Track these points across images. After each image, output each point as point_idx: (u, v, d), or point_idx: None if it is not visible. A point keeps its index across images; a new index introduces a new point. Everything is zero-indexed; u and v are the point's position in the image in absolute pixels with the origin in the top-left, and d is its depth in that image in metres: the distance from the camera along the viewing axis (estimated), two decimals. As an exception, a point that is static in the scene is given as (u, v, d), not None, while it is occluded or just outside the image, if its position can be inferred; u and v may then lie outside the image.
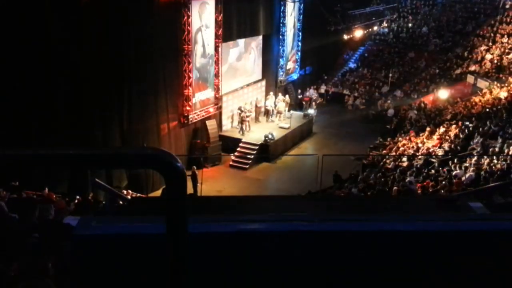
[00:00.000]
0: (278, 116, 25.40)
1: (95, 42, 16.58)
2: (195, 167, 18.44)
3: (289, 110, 25.96)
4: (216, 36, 22.15)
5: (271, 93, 26.56)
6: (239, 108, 23.85)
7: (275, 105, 25.68)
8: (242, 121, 23.60)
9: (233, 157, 22.29)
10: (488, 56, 28.87)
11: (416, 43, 34.17)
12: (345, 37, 33.05)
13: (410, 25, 35.65)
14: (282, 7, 27.60)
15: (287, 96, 27.16)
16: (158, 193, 17.94)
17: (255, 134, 23.49)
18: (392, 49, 34.42)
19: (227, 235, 2.90)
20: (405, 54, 33.87)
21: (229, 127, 24.31)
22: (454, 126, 21.27)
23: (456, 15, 34.19)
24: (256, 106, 25.33)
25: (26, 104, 15.12)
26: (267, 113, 25.65)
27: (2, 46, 14.17)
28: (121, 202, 6.28)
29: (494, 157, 15.67)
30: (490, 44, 29.91)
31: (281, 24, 27.86)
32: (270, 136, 22.71)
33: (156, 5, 18.96)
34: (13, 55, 14.45)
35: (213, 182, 19.67)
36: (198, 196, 14.85)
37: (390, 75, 32.03)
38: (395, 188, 14.04)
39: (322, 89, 32.64)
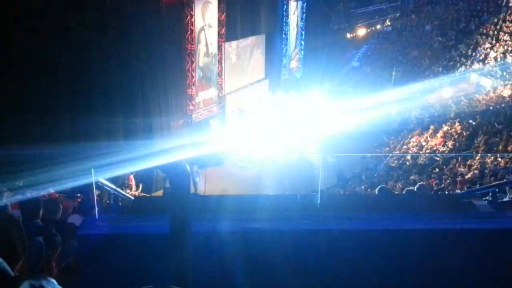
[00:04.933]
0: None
1: (98, 41, 16.60)
2: (196, 165, 18.46)
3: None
4: (219, 35, 22.15)
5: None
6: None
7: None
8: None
9: (235, 156, 22.28)
10: (492, 54, 28.78)
11: (420, 41, 34.10)
12: (348, 35, 33.02)
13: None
14: (285, 6, 27.60)
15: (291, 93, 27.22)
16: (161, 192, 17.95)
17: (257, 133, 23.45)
18: (396, 47, 34.35)
19: (231, 233, 2.90)
20: (409, 52, 33.81)
21: (232, 126, 24.31)
22: (457, 124, 21.22)
23: (459, 13, 34.07)
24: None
25: (29, 99, 15.18)
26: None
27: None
28: (125, 202, 6.29)
29: (498, 155, 15.63)
30: (494, 42, 29.80)
31: (284, 23, 27.87)
32: (272, 135, 22.70)
33: (159, 5, 18.96)
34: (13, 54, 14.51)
35: (217, 181, 19.65)
36: (201, 195, 14.85)
37: (393, 73, 31.96)
38: (399, 186, 14.04)
39: (326, 87, 32.58)
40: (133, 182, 17.23)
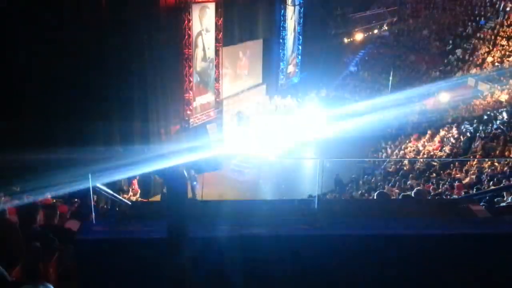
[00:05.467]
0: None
1: (94, 46, 16.59)
2: (193, 170, 18.44)
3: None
4: (217, 40, 22.18)
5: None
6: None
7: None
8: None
9: (234, 161, 22.27)
10: (489, 59, 28.85)
11: (417, 46, 34.16)
12: (346, 40, 33.10)
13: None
14: (283, 11, 27.64)
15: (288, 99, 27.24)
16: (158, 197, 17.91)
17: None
18: (393, 52, 34.41)
19: (229, 238, 2.90)
20: (406, 57, 33.87)
21: (229, 131, 24.30)
22: (455, 129, 21.25)
23: (457, 18, 34.16)
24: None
25: (26, 103, 15.18)
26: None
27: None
28: (122, 207, 6.28)
29: (495, 160, 15.65)
30: (491, 46, 29.88)
31: (281, 28, 27.90)
32: (270, 140, 22.70)
33: (157, 9, 18.98)
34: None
35: (214, 186, 19.62)
36: (199, 200, 14.82)
37: (391, 78, 32.02)
38: (396, 191, 14.04)
39: (323, 92, 32.65)
40: (135, 187, 17.23)
